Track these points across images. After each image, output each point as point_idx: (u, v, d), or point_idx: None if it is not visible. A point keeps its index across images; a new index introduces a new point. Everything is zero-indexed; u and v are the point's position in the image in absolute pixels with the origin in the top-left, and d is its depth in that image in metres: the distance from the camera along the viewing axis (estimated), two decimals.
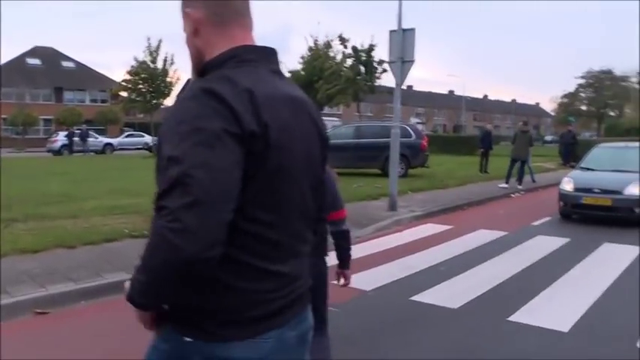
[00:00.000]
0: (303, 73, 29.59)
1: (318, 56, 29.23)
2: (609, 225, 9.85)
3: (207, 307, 1.36)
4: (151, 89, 34.40)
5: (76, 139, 36.65)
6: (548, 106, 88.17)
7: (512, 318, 5.15)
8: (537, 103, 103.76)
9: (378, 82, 31.17)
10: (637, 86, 75.41)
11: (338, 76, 29.30)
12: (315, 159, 1.54)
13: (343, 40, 30.05)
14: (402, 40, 10.63)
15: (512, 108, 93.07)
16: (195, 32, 1.49)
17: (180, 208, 1.19)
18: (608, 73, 70.46)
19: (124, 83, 36.08)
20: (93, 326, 4.88)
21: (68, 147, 36.32)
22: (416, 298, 5.74)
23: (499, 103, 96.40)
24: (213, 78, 1.37)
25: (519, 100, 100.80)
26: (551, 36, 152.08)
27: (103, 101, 56.66)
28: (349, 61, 30.65)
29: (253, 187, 1.32)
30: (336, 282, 3.76)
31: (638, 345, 4.58)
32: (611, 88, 69.80)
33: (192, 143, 1.23)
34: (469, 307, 5.51)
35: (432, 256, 7.59)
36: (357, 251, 7.87)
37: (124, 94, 38.12)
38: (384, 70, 30.60)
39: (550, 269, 6.96)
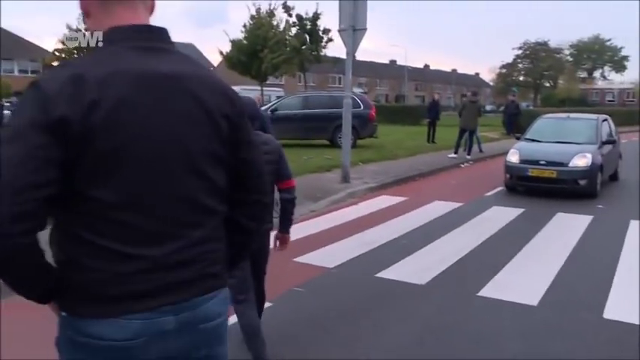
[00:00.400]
0: (245, 42, 28.71)
1: (261, 25, 28.37)
2: (557, 196, 9.94)
3: (72, 285, 1.40)
4: None
5: (6, 112, 34.51)
6: (487, 76, 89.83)
7: (482, 293, 5.04)
8: (477, 74, 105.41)
9: (323, 52, 30.68)
10: (570, 58, 78.23)
11: (283, 45, 28.61)
12: (195, 138, 1.47)
13: (287, 9, 29.25)
14: (354, 8, 10.28)
15: (453, 78, 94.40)
16: (87, 15, 1.52)
17: None
18: (543, 45, 72.39)
19: (56, 53, 34.07)
20: None
21: None
22: (381, 274, 5.55)
23: (440, 73, 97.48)
24: (55, 66, 1.44)
25: (460, 71, 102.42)
26: (491, 7, 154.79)
27: (34, 72, 53.65)
28: (294, 30, 29.95)
29: (84, 169, 1.33)
30: (272, 246, 3.93)
31: (604, 316, 4.54)
32: (546, 60, 71.85)
33: (3, 141, 1.29)
34: (436, 282, 5.37)
35: (391, 230, 7.42)
36: (314, 226, 7.70)
37: (56, 64, 36.16)
38: (330, 40, 30.15)
39: (510, 241, 6.92)
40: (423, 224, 7.83)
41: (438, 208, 8.96)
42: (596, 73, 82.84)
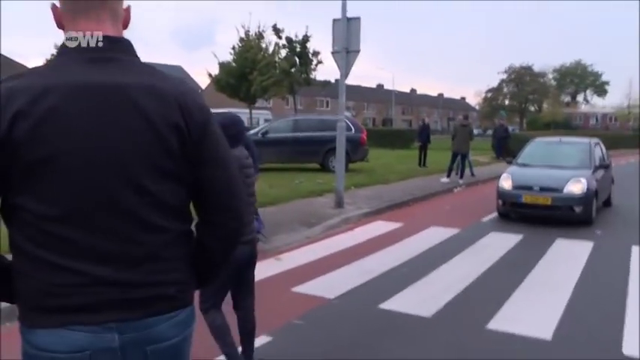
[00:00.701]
0: (234, 64, 28.55)
1: (250, 47, 28.25)
2: (552, 221, 9.68)
3: (18, 294, 1.42)
4: None
5: None
6: (473, 100, 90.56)
7: (491, 326, 4.79)
8: (463, 98, 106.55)
9: (312, 75, 30.56)
10: (554, 82, 79.37)
11: (273, 68, 28.47)
12: (133, 150, 1.41)
13: (277, 31, 29.13)
14: (347, 30, 10.16)
15: (440, 102, 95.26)
16: (58, 26, 1.53)
17: None
18: (527, 69, 73.36)
19: None
20: None
21: None
22: (384, 305, 5.29)
23: (426, 98, 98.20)
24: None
25: (446, 95, 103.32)
26: (476, 33, 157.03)
27: None
28: (283, 52, 29.83)
29: (15, 179, 1.35)
30: None
31: (624, 352, 4.32)
32: (531, 84, 72.81)
33: None
34: (442, 314, 5.12)
35: (390, 257, 7.18)
36: (310, 253, 7.43)
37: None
38: (320, 62, 30.06)
39: (513, 269, 6.71)
40: (422, 251, 7.59)
41: (435, 235, 8.74)
42: (579, 97, 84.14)
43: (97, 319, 1.39)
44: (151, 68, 1.51)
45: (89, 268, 1.38)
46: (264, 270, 6.43)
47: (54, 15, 1.52)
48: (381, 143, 30.35)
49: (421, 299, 5.50)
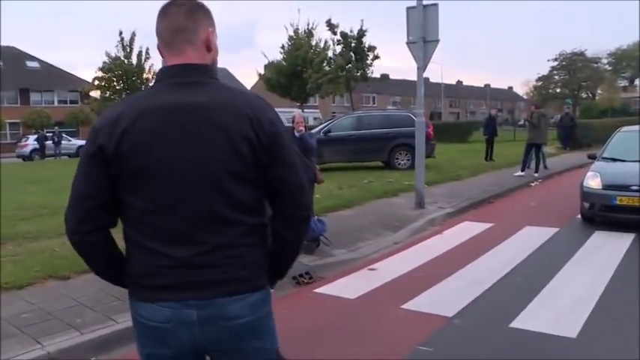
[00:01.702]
0: (284, 63, 28.05)
1: (300, 45, 27.72)
2: None
3: (128, 273, 1.79)
4: (125, 86, 32.46)
5: (48, 142, 34.41)
6: (521, 90, 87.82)
7: None
8: (510, 88, 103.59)
9: (369, 71, 29.69)
10: (608, 67, 76.07)
11: (328, 64, 27.84)
12: (214, 159, 1.69)
13: (332, 27, 28.45)
14: (424, 17, 9.44)
15: (487, 93, 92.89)
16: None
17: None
18: (580, 55, 70.41)
19: (97, 81, 34.01)
20: None
21: (39, 151, 34.10)
22: (516, 324, 4.58)
23: (473, 89, 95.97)
24: (109, 107, 1.93)
25: (493, 85, 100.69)
26: (521, 21, 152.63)
27: (73, 102, 54.05)
28: (338, 48, 29.12)
29: (122, 183, 1.70)
30: None
31: None
32: (584, 70, 69.84)
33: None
34: (587, 333, 4.36)
35: (495, 264, 6.46)
36: (405, 262, 6.75)
37: (95, 93, 36.06)
38: (376, 57, 29.19)
39: None
40: (528, 256, 6.83)
41: (533, 235, 7.94)
42: (637, 81, 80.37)
43: (177, 296, 1.70)
44: (227, 87, 1.79)
45: (177, 252, 1.69)
46: (362, 284, 5.84)
47: (159, 51, 1.84)
48: (438, 138, 29.32)
49: (555, 315, 4.77)
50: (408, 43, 9.76)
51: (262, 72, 30.17)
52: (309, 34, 28.30)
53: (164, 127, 1.68)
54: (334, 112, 32.36)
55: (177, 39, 1.78)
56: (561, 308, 4.94)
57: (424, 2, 9.48)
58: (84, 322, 4.49)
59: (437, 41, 9.50)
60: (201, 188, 1.69)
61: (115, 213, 1.76)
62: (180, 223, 1.69)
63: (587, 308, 4.90)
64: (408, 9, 9.71)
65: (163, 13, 1.79)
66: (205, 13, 1.83)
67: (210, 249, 1.70)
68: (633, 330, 4.37)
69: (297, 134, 7.21)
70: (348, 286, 5.81)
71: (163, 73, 1.80)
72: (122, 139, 1.66)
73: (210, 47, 1.82)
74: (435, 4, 9.49)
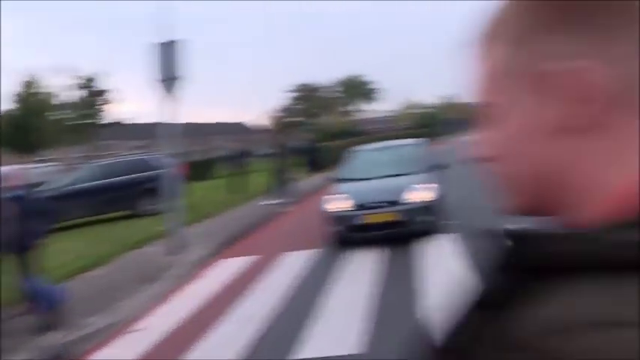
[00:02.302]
0: (19, 112, 24.65)
1: (34, 92, 24.79)
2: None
3: None
4: None
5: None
6: (258, 122, 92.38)
7: None
8: (240, 122, 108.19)
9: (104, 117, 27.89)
10: (335, 94, 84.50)
11: (66, 110, 25.33)
12: None
13: (66, 72, 26.05)
14: (164, 55, 9.15)
15: (228, 129, 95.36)
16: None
17: None
18: (309, 86, 77.30)
19: None
20: None
21: None
22: (299, 355, 4.41)
23: (212, 126, 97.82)
24: None
25: (227, 120, 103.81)
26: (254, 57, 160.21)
27: None
28: (75, 94, 26.71)
29: None
30: None
31: None
32: (314, 99, 76.73)
33: None
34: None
35: (263, 295, 6.33)
36: (170, 315, 6.18)
37: None
38: (106, 102, 27.54)
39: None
40: (292, 281, 6.85)
41: (293, 261, 8.02)
42: (353, 107, 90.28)
43: None
44: None
45: None
46: (128, 351, 5.19)
47: None
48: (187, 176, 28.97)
49: (336, 336, 4.74)
50: (157, 82, 9.26)
51: None
52: (44, 79, 25.44)
53: None
54: (74, 164, 29.76)
55: None
56: (342, 327, 4.96)
57: (164, 40, 9.15)
58: None
59: (182, 78, 9.21)
60: None
61: None
62: None
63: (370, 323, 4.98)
64: (152, 46, 9.24)
65: None
66: None
67: None
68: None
69: (10, 195, 5.88)
70: (113, 357, 5.09)
71: None
72: None
73: None
74: (175, 42, 9.18)
